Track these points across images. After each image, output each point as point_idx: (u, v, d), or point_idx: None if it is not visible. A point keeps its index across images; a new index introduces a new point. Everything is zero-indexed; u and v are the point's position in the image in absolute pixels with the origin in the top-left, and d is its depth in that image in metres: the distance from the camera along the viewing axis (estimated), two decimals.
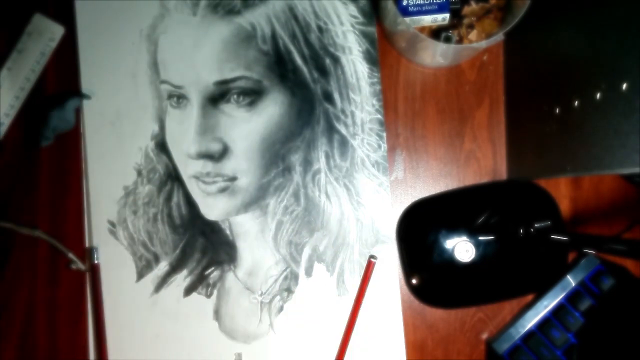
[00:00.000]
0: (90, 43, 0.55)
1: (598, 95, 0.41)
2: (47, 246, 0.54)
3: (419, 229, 0.55)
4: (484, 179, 0.56)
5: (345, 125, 0.55)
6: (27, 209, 0.54)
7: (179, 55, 0.55)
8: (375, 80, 0.55)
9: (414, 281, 0.54)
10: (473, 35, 0.53)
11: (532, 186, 0.55)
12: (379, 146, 0.55)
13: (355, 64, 0.55)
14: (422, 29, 0.53)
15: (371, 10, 0.55)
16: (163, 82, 0.55)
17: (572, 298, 0.53)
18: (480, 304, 0.55)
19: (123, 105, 0.55)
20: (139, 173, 0.55)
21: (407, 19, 0.51)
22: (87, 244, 0.54)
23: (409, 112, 0.56)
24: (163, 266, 0.54)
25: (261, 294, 0.54)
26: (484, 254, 0.53)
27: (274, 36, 0.55)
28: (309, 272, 0.54)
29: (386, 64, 0.56)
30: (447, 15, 0.52)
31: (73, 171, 0.55)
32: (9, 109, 0.55)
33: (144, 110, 0.55)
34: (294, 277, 0.54)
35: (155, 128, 0.55)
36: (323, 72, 0.55)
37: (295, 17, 0.55)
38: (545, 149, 0.49)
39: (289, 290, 0.54)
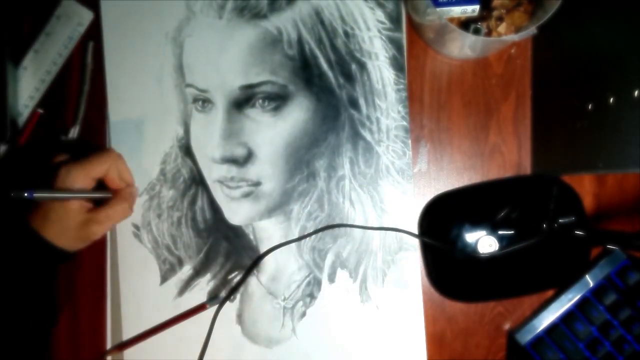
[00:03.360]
0: (115, 45, 0.55)
1: (636, 93, 0.40)
2: None
3: (442, 222, 0.55)
4: (508, 173, 0.56)
5: (371, 131, 0.55)
6: None
7: (204, 59, 0.55)
8: (402, 86, 0.55)
9: (435, 274, 0.55)
10: (502, 28, 0.52)
11: (557, 181, 0.55)
12: (404, 153, 0.55)
13: (381, 70, 0.55)
14: (451, 21, 0.52)
15: (398, 15, 0.55)
16: (188, 85, 0.55)
17: (598, 292, 0.53)
18: (500, 299, 0.56)
19: (148, 108, 0.55)
20: (164, 176, 0.55)
21: (437, 9, 0.50)
22: (109, 245, 0.55)
23: (435, 104, 0.56)
24: (187, 270, 0.54)
25: (284, 299, 0.54)
26: (507, 249, 0.53)
27: (300, 41, 0.54)
28: (332, 278, 0.55)
29: (413, 55, 0.56)
30: (477, 7, 0.51)
31: None
32: (34, 92, 0.55)
33: (169, 113, 0.55)
34: (317, 282, 0.55)
35: (180, 131, 0.55)
36: (349, 77, 0.55)
37: (322, 22, 0.54)
38: (574, 145, 0.49)
39: (312, 296, 0.54)
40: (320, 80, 0.55)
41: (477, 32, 0.52)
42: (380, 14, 0.55)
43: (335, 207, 0.55)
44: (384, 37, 0.55)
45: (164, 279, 0.54)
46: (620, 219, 0.56)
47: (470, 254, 0.53)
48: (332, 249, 0.55)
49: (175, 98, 0.55)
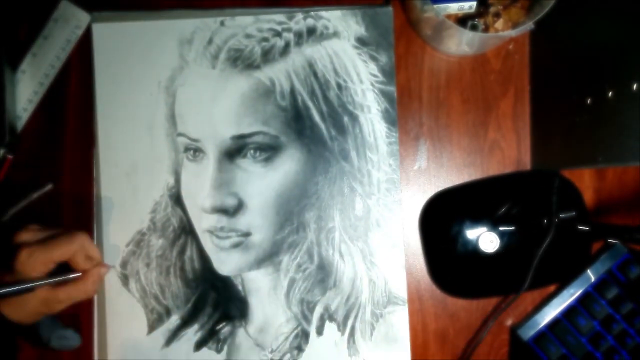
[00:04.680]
0: (108, 93, 0.55)
1: (634, 86, 0.41)
2: None
3: (443, 219, 0.55)
4: (507, 169, 0.57)
5: (361, 184, 0.55)
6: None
7: (196, 108, 0.55)
8: (393, 139, 0.55)
9: (436, 271, 0.55)
10: (499, 24, 0.53)
11: (557, 176, 0.55)
12: (395, 207, 0.55)
13: (373, 122, 0.55)
14: (448, 17, 0.52)
15: (391, 69, 0.55)
16: (180, 134, 0.55)
17: (599, 286, 0.54)
18: (503, 295, 0.56)
19: (139, 156, 0.55)
20: (154, 225, 0.55)
21: (434, 6, 0.50)
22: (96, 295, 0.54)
23: (433, 101, 0.57)
24: (174, 320, 0.54)
25: (271, 351, 0.54)
26: (508, 245, 0.54)
27: (292, 92, 0.54)
28: (320, 331, 0.54)
29: (411, 52, 0.56)
30: (474, 3, 0.52)
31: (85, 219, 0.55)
32: (33, 95, 0.55)
33: (159, 162, 0.55)
34: (305, 335, 0.54)
35: (170, 180, 0.55)
36: (341, 130, 0.55)
37: (315, 74, 0.55)
38: (574, 140, 0.49)
39: (300, 349, 0.54)
40: (312, 131, 0.55)
41: (474, 28, 0.52)
42: (373, 67, 0.55)
43: (324, 259, 0.54)
44: (376, 90, 0.55)
45: (152, 328, 0.54)
46: (621, 212, 0.57)
47: (471, 251, 0.54)
48: (320, 301, 0.54)
49: (166, 147, 0.55)
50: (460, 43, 0.53)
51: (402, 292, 0.55)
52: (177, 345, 0.54)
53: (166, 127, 0.55)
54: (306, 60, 0.55)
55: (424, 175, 0.56)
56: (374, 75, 0.55)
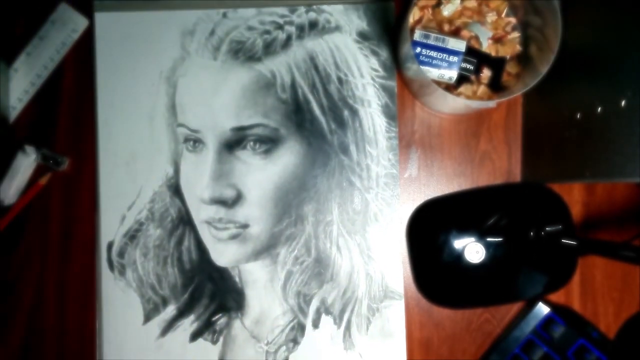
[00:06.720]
0: (109, 82, 0.55)
1: (623, 103, 0.41)
2: (58, 226, 0.55)
3: (430, 228, 0.55)
4: (497, 180, 0.57)
5: (360, 178, 0.55)
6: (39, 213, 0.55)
7: (197, 99, 0.55)
8: (393, 134, 0.55)
9: (422, 280, 0.55)
10: (482, 92, 0.53)
11: (545, 190, 0.55)
12: (393, 201, 0.55)
13: (373, 117, 0.55)
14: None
15: (392, 64, 0.55)
16: (180, 125, 0.55)
17: (526, 347, 0.53)
18: (488, 305, 0.56)
19: (138, 146, 0.55)
20: (152, 215, 0.55)
21: (416, 66, 0.50)
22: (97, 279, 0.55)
23: (426, 109, 0.56)
24: (170, 310, 0.54)
25: (267, 344, 0.54)
26: (494, 256, 0.54)
27: (293, 85, 0.54)
28: (316, 324, 0.54)
29: None
30: (454, 76, 0.52)
31: (82, 215, 0.55)
32: (23, 94, 0.55)
33: (159, 152, 0.55)
34: (301, 328, 0.54)
35: (170, 171, 0.55)
36: (341, 123, 0.55)
37: (316, 67, 0.55)
38: (563, 154, 0.49)
39: (295, 341, 0.54)
40: (312, 125, 0.55)
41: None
42: (374, 62, 0.55)
43: (322, 252, 0.54)
44: (377, 85, 0.55)
45: (147, 318, 0.54)
46: (610, 228, 0.57)
47: (457, 260, 0.54)
48: (317, 294, 0.54)
49: (166, 137, 0.55)
50: (445, 104, 0.53)
51: (398, 286, 0.55)
52: (173, 336, 0.54)
53: (166, 117, 0.55)
54: (307, 54, 0.55)
55: (414, 183, 0.56)
56: (375, 70, 0.55)
